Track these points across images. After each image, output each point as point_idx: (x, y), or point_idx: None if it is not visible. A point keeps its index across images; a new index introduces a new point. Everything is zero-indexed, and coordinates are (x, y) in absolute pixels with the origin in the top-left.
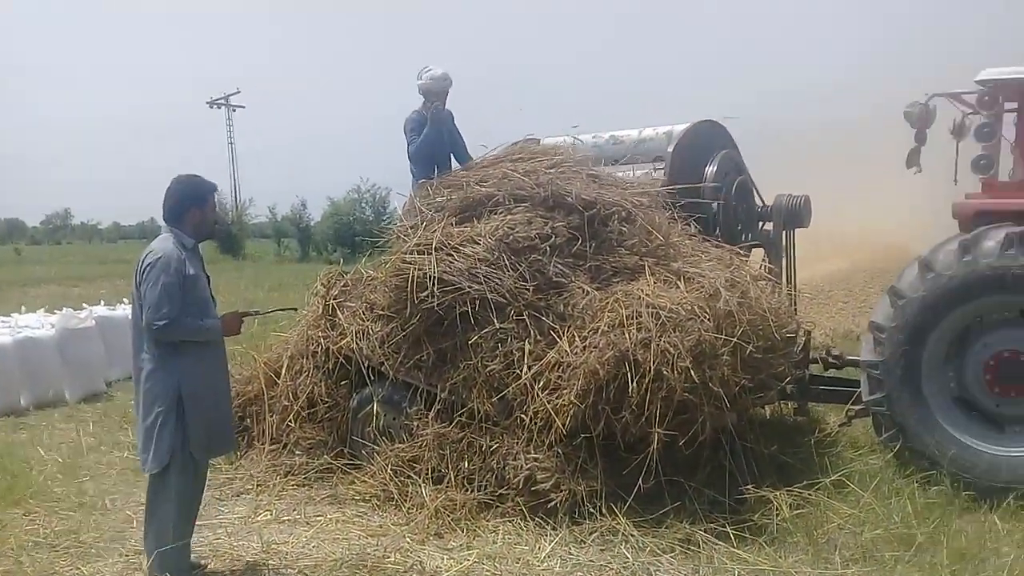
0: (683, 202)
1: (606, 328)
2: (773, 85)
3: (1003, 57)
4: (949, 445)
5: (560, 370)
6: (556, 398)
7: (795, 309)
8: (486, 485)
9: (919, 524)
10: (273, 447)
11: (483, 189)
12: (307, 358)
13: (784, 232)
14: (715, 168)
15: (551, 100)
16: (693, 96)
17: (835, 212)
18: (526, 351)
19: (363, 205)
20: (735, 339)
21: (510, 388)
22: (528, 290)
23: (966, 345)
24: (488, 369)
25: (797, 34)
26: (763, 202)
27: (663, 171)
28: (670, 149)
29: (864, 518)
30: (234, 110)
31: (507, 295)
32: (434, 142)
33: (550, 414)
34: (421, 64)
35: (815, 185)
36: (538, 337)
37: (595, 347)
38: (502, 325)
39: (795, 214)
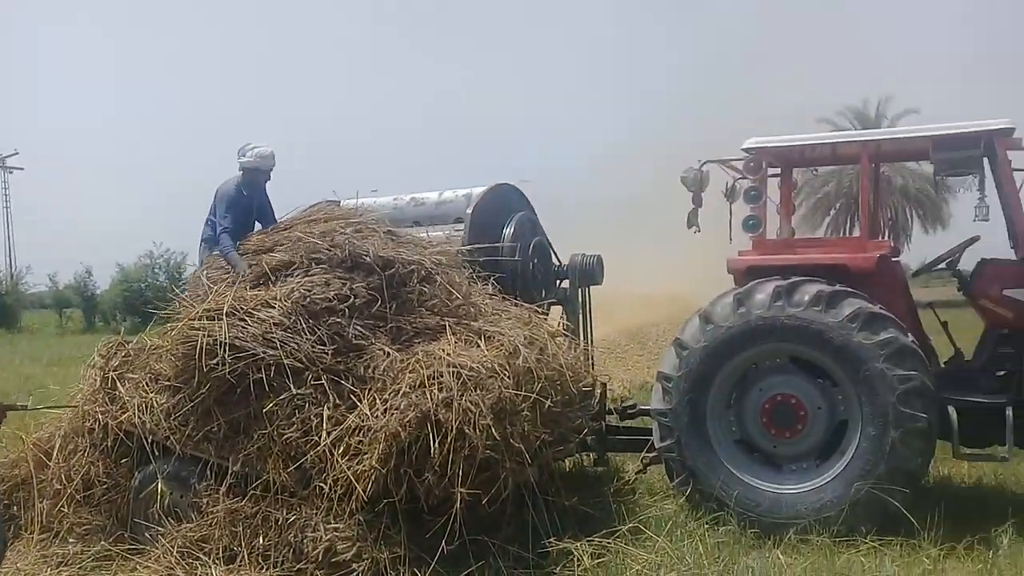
0: (482, 261)
1: (407, 389)
2: (561, 155)
3: (767, 126)
4: (734, 486)
5: (361, 434)
6: (357, 464)
7: (592, 363)
8: (283, 561)
9: (710, 564)
10: (43, 536)
11: (276, 255)
12: (83, 436)
13: (580, 289)
14: (513, 229)
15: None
16: (484, 163)
17: (628, 271)
18: (324, 416)
19: (156, 271)
20: (534, 395)
21: (308, 456)
22: (327, 353)
23: (744, 391)
24: (284, 437)
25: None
26: (559, 261)
27: (463, 232)
28: (469, 210)
29: (660, 562)
30: (11, 172)
31: (304, 359)
32: (245, 220)
33: (351, 480)
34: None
35: (607, 246)
36: (337, 401)
37: (396, 409)
38: (299, 391)
39: (589, 272)
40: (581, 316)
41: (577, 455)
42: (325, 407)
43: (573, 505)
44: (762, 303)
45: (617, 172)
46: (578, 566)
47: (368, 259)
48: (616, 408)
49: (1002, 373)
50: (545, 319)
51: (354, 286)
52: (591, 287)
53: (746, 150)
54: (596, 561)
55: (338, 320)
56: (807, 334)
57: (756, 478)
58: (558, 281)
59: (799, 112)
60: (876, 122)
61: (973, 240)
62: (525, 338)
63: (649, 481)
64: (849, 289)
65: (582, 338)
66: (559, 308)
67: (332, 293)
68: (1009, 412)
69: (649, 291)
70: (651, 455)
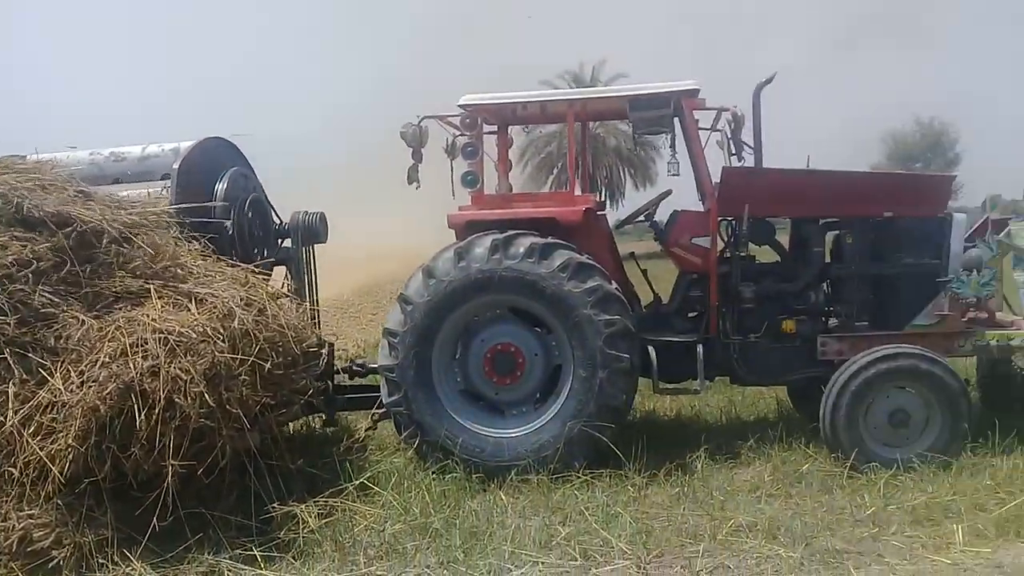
0: (192, 221)
1: (107, 359)
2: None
3: (493, 86)
4: (459, 434)
5: (54, 411)
6: (51, 443)
7: (318, 323)
8: None
9: (436, 512)
10: None
11: None
12: None
13: (303, 248)
14: (226, 185)
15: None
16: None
17: (358, 228)
18: (10, 394)
19: None
20: (252, 358)
21: None
22: (8, 324)
23: (467, 342)
24: None
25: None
26: (280, 219)
27: (170, 189)
28: (176, 166)
29: (387, 515)
30: None
31: None
32: None
33: (45, 462)
34: None
35: (334, 202)
36: (24, 377)
37: (95, 381)
38: None
39: (312, 230)
40: (306, 275)
41: (306, 417)
42: (10, 384)
43: (299, 468)
44: (481, 256)
45: (344, 130)
46: (304, 528)
47: (38, 216)
48: (344, 367)
49: (693, 314)
50: (267, 279)
51: (37, 248)
52: (315, 245)
53: (462, 106)
54: (323, 521)
55: (21, 287)
56: (523, 284)
57: (480, 425)
58: (279, 240)
59: (524, 74)
60: (592, 84)
61: (666, 194)
62: (241, 299)
63: (380, 437)
64: (560, 241)
65: (308, 297)
66: (283, 268)
67: (10, 257)
68: (700, 349)
69: (382, 248)
70: (380, 411)
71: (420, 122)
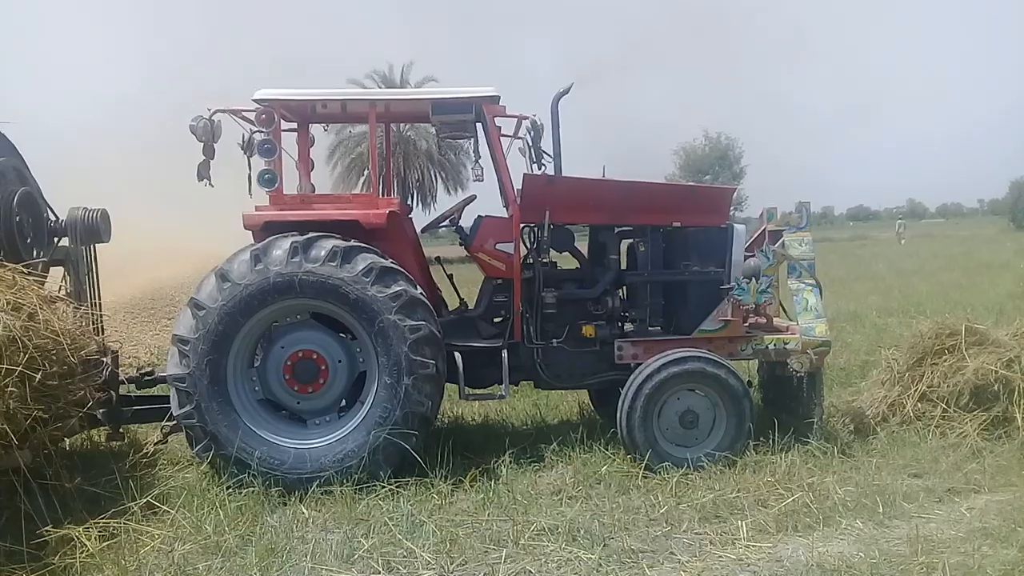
0: None
1: None
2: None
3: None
4: (258, 446)
5: None
6: None
7: (100, 329)
8: None
9: (230, 529)
10: None
11: None
12: None
13: (84, 248)
14: None
15: None
16: None
17: (149, 226)
18: None
19: None
20: (20, 367)
21: None
22: None
23: (266, 349)
24: None
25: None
26: (55, 216)
27: None
28: None
29: (177, 535)
30: None
31: None
32: None
33: None
34: None
35: (119, 199)
36: None
37: None
38: None
39: (92, 228)
40: (86, 276)
41: (87, 432)
42: None
43: (77, 486)
44: (280, 259)
45: (131, 122)
46: (82, 552)
47: None
48: (131, 376)
49: (498, 319)
50: (43, 281)
51: None
52: (96, 244)
53: (258, 101)
54: (104, 544)
55: None
56: (325, 289)
57: (280, 436)
58: (56, 238)
59: (331, 71)
60: (401, 86)
61: (470, 199)
62: (7, 303)
63: (171, 452)
64: (363, 244)
65: (89, 301)
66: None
67: None
68: (505, 354)
69: (177, 248)
70: (171, 424)
71: (212, 115)
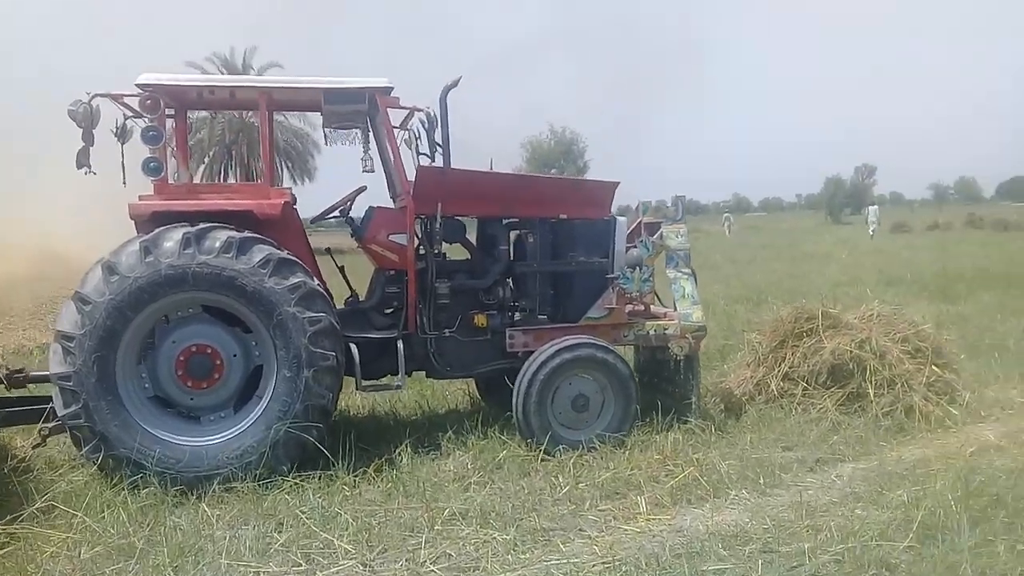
0: None
1: None
2: None
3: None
4: (152, 445)
5: None
6: None
7: None
8: None
9: (136, 530)
10: None
11: None
12: None
13: None
14: None
15: None
16: None
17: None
18: None
19: None
20: None
21: None
22: None
23: (157, 344)
24: None
25: None
26: None
27: None
28: None
29: (80, 539)
30: None
31: None
32: None
33: None
34: None
35: None
36: None
37: None
38: None
39: None
40: None
41: None
42: None
43: None
44: (171, 251)
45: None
46: None
47: None
48: (1, 376)
49: (391, 310)
50: None
51: None
52: None
53: (141, 86)
54: (2, 552)
55: None
56: (220, 281)
57: (174, 434)
58: None
59: (166, 54)
60: (244, 71)
61: (360, 190)
62: None
63: (47, 455)
64: (258, 236)
65: None
66: None
67: None
68: (400, 345)
69: (35, 240)
70: (51, 424)
71: (91, 100)
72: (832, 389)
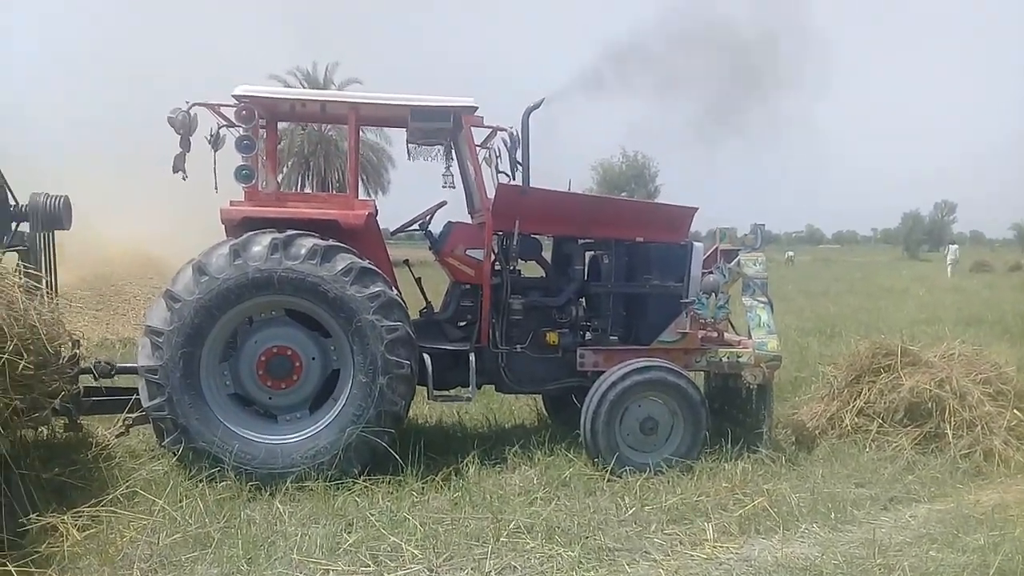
0: None
1: None
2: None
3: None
4: (231, 440)
5: None
6: None
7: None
8: None
9: (212, 521)
10: None
11: None
12: None
13: (43, 235)
14: None
15: None
16: None
17: (99, 215)
18: None
19: None
20: (5, 356)
21: None
22: None
23: (240, 344)
24: None
25: None
26: (16, 201)
27: None
28: None
29: (159, 525)
30: None
31: None
32: None
33: None
34: None
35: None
36: None
37: None
38: None
39: (54, 215)
40: (45, 264)
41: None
42: None
43: (51, 476)
44: (259, 255)
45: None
46: (66, 541)
47: None
48: (94, 366)
49: (465, 323)
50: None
51: None
52: (55, 232)
53: (237, 97)
54: (85, 533)
55: None
56: (303, 286)
57: (251, 431)
58: (15, 223)
59: (251, 68)
60: (325, 85)
61: (441, 205)
62: None
63: (128, 444)
64: (342, 244)
65: (47, 290)
66: (14, 255)
67: None
68: (472, 357)
69: (113, 239)
70: (134, 416)
71: (190, 108)
72: (909, 428)
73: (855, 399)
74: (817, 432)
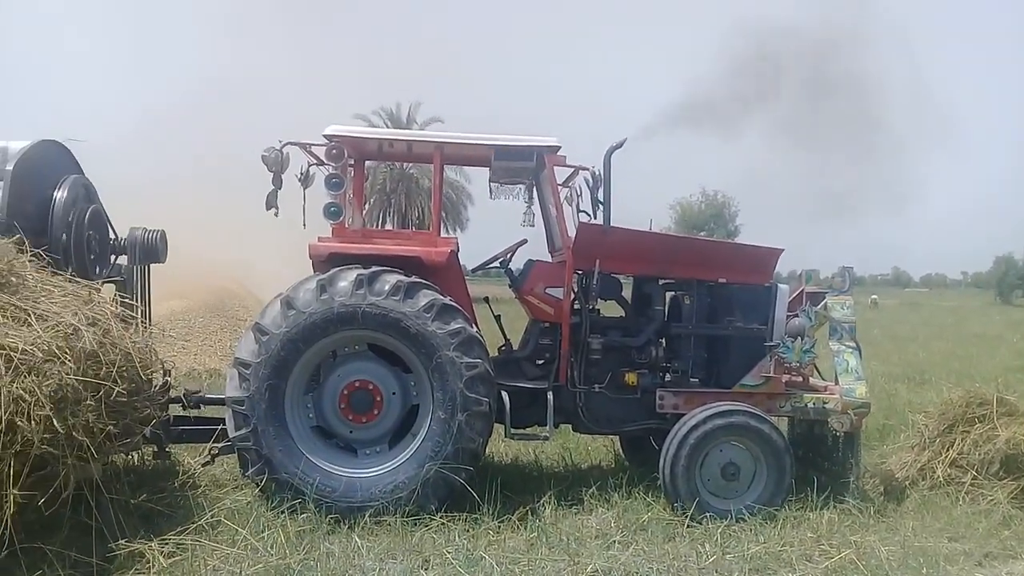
0: (28, 227)
1: None
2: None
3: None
4: (312, 473)
5: None
6: None
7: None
8: None
9: (292, 553)
10: None
11: None
12: None
13: (139, 267)
14: (66, 194)
15: None
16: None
17: (189, 248)
18: None
19: None
20: (100, 382)
21: None
22: None
23: (323, 377)
24: None
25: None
26: (116, 234)
27: (0, 192)
28: (9, 168)
29: (241, 556)
30: None
31: None
32: None
33: None
34: None
35: (166, 219)
36: None
37: None
38: None
39: (151, 249)
40: (140, 296)
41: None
42: None
43: (139, 503)
44: (345, 290)
45: (175, 143)
46: (152, 568)
47: None
48: (183, 396)
49: (543, 361)
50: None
51: None
52: (152, 265)
53: (327, 136)
54: (171, 560)
55: None
56: (386, 322)
57: (332, 463)
58: (114, 256)
59: (339, 107)
60: (408, 124)
61: (522, 243)
62: (86, 319)
63: (214, 474)
64: (424, 281)
65: (140, 320)
66: (111, 287)
67: None
68: (550, 396)
69: (198, 271)
70: (220, 445)
71: (282, 147)
72: (1005, 480)
73: (948, 449)
74: (907, 483)
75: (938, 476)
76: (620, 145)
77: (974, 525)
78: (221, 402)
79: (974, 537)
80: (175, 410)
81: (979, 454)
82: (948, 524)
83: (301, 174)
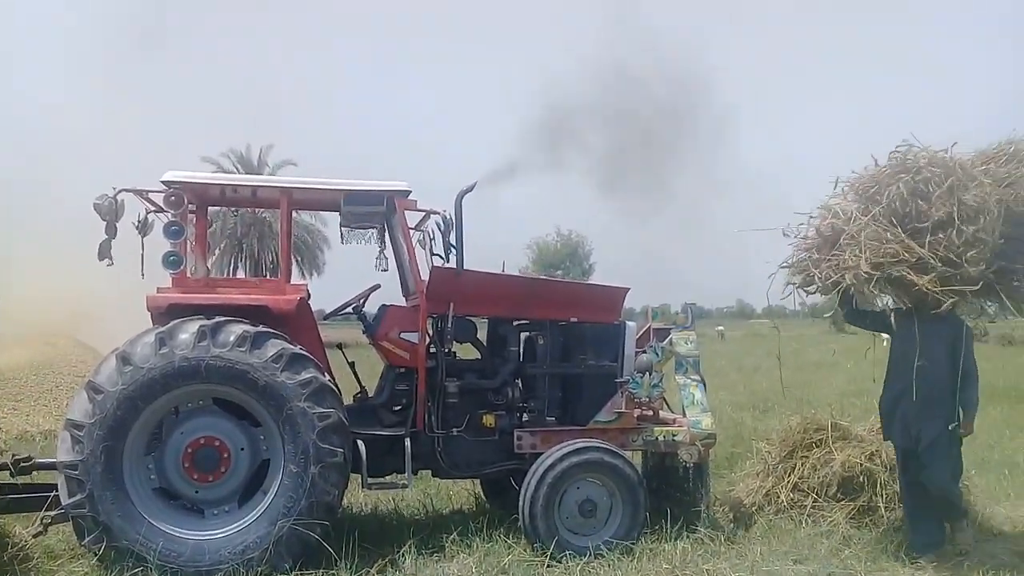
0: None
1: None
2: None
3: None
4: (155, 538)
5: None
6: None
7: None
8: None
9: None
10: None
11: None
12: None
13: None
14: None
15: None
16: None
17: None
18: None
19: None
20: None
21: None
22: None
23: (165, 435)
24: None
25: None
26: None
27: None
28: None
29: None
30: None
31: None
32: None
33: None
34: None
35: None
36: None
37: None
38: None
39: None
40: None
41: None
42: None
43: None
44: (186, 343)
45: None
46: None
47: None
48: (10, 462)
49: (399, 407)
50: None
51: None
52: None
53: (166, 183)
54: None
55: None
56: (233, 374)
57: (177, 527)
58: None
59: (182, 149)
60: (259, 168)
61: (374, 288)
62: None
63: (47, 544)
64: (272, 330)
65: None
66: None
67: None
68: (408, 442)
69: (49, 326)
70: (54, 513)
71: (116, 194)
72: (843, 502)
73: (789, 474)
74: (754, 508)
75: (782, 501)
76: (471, 188)
77: (816, 546)
78: (53, 467)
79: (817, 558)
80: (3, 477)
81: (818, 477)
82: (793, 546)
83: (139, 222)
